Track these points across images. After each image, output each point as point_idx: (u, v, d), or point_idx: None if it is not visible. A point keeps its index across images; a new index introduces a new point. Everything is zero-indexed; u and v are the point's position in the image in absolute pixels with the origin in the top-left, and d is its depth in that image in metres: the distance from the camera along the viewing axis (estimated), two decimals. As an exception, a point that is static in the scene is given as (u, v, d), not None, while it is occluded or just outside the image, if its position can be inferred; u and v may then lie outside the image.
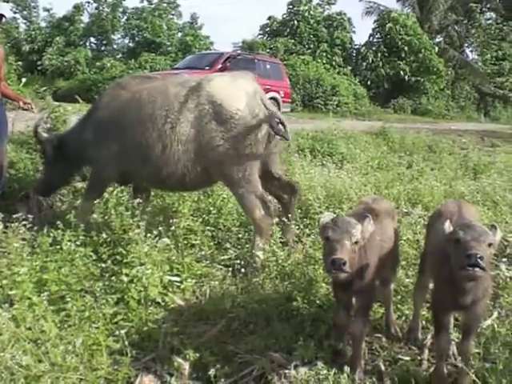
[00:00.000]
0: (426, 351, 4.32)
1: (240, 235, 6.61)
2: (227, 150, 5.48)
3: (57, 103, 9.94)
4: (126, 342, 3.98)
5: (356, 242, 3.46)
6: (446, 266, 3.47)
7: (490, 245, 3.28)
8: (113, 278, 4.91)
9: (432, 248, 4.10)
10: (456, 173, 11.06)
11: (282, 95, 24.10)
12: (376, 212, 4.12)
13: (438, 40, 47.33)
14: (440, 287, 3.78)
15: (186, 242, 6.07)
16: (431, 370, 4.04)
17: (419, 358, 4.28)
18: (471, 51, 51.08)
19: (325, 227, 3.52)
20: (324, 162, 10.51)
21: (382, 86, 40.34)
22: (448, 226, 3.48)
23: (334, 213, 5.84)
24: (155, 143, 5.64)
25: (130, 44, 42.31)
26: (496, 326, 4.39)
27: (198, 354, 3.92)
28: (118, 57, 40.83)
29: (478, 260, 3.09)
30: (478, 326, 3.90)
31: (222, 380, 3.68)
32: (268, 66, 24.13)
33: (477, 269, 3.12)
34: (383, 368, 4.05)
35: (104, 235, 5.23)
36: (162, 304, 4.87)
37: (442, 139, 17.31)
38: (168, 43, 39.94)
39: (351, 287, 3.79)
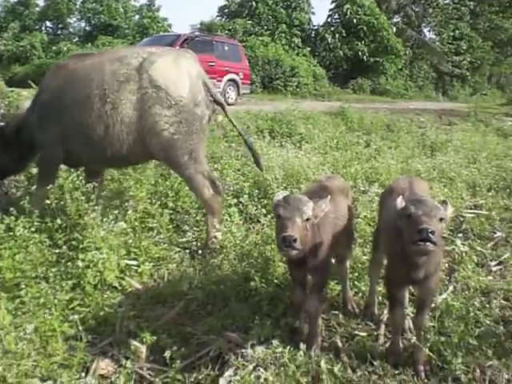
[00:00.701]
0: (383, 326, 4.37)
1: (198, 217, 6.58)
2: (172, 135, 5.41)
3: (10, 89, 9.67)
4: (81, 327, 3.95)
5: (307, 220, 3.45)
6: (398, 241, 3.49)
7: (441, 219, 3.30)
8: (69, 263, 4.82)
9: (384, 224, 4.14)
10: (413, 151, 11.18)
11: (241, 77, 24.02)
12: (329, 190, 4.12)
13: (395, 20, 47.78)
14: (393, 263, 3.82)
15: (143, 225, 6.03)
16: (387, 344, 4.09)
17: (376, 333, 4.33)
18: (429, 31, 51.76)
19: (276, 205, 3.50)
20: (283, 143, 10.51)
21: (341, 67, 40.51)
22: (400, 202, 3.50)
23: (292, 192, 5.86)
24: (96, 123, 5.50)
25: (87, 27, 41.69)
26: (450, 299, 4.47)
27: (155, 337, 3.90)
28: (74, 41, 40.26)
29: (429, 234, 3.12)
30: (431, 300, 3.96)
31: (179, 361, 3.67)
32: (226, 48, 23.97)
33: (428, 243, 3.14)
34: (340, 344, 4.08)
35: (59, 221, 5.14)
36: (119, 288, 4.84)
37: (400, 118, 17.46)
38: (125, 26, 39.47)
39: (306, 265, 3.79)
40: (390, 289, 3.89)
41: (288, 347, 3.67)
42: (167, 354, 3.62)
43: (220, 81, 22.39)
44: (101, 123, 5.47)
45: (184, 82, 5.44)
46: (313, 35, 42.99)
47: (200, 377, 3.60)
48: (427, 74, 47.08)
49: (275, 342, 3.67)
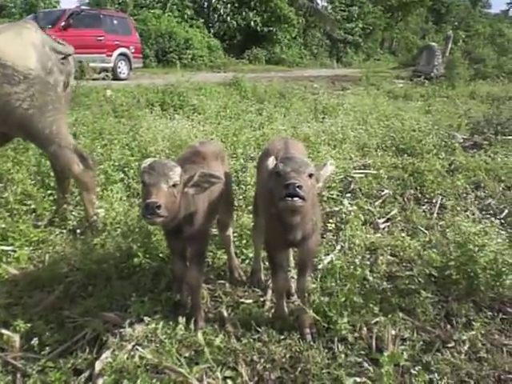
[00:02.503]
0: (270, 292, 4.29)
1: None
2: (26, 111, 5.03)
3: None
4: None
5: (174, 185, 3.27)
6: (272, 203, 3.39)
7: (310, 175, 3.20)
8: None
9: (260, 187, 4.03)
10: (306, 116, 11.24)
11: (133, 51, 23.51)
12: (203, 155, 3.96)
13: (287, -11, 47.81)
14: (270, 225, 3.70)
15: (23, 208, 5.67)
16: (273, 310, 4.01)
17: (262, 299, 4.25)
18: (321, -1, 52.09)
19: (143, 172, 3.30)
20: (175, 115, 10.29)
21: (235, 38, 40.26)
22: (272, 162, 3.39)
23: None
24: None
25: (-29, 8, 39.21)
26: (335, 259, 4.45)
27: (29, 325, 3.66)
28: (-41, 21, 37.77)
29: (297, 189, 2.99)
30: (312, 261, 3.90)
31: (54, 348, 3.46)
32: (115, 22, 23.29)
33: (296, 198, 3.01)
34: (226, 314, 3.98)
35: None
36: (-6, 276, 4.51)
37: (294, 86, 17.57)
38: (11, 5, 37.38)
39: (182, 235, 3.64)
40: (270, 252, 3.80)
41: (169, 323, 3.54)
42: (34, 341, 3.39)
43: (110, 55, 21.80)
44: None
45: (30, 54, 5.02)
46: (205, 6, 42.41)
47: (77, 362, 3.39)
48: (321, 41, 47.70)
49: (155, 319, 3.52)
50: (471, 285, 4.16)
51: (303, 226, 3.47)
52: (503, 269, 4.06)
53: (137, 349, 3.32)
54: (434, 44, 27.73)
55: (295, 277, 4.03)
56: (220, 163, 4.19)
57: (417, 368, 3.09)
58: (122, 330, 3.53)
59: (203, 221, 3.71)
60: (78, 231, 5.32)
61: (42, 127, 5.07)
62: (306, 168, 3.19)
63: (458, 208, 6.21)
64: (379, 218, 6.02)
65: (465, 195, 6.79)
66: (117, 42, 22.38)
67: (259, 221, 4.27)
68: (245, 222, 5.21)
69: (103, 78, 19.59)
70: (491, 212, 6.25)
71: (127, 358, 3.17)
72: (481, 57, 30.66)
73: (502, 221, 5.54)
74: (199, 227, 3.66)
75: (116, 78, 21.66)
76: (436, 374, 3.24)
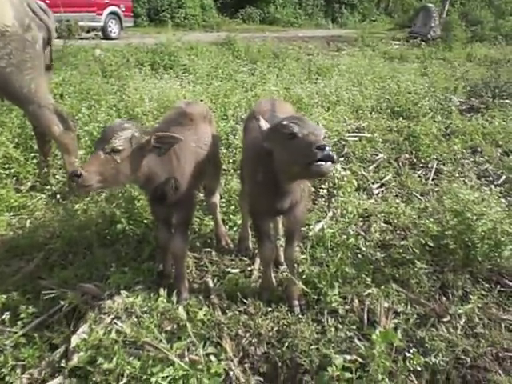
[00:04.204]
0: (258, 261, 4.12)
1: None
2: (4, 69, 4.76)
3: None
4: None
5: (115, 151, 2.99)
6: (261, 168, 3.17)
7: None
8: None
9: (246, 151, 3.81)
10: (299, 77, 10.94)
11: (123, 9, 22.91)
12: (190, 116, 3.73)
13: None
14: (256, 192, 3.45)
15: (5, 172, 5.45)
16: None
17: (250, 268, 4.08)
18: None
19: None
20: (164, 75, 9.99)
21: (229, -4, 39.46)
22: (264, 124, 3.15)
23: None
24: None
25: None
26: (327, 227, 4.28)
27: (5, 296, 3.48)
28: None
29: (331, 153, 2.71)
30: (300, 229, 3.69)
31: (30, 320, 3.29)
32: (106, -21, 22.63)
33: (329, 163, 2.71)
34: (211, 284, 3.81)
35: None
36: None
37: (288, 46, 17.17)
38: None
39: (165, 201, 3.43)
40: (256, 221, 3.59)
41: (151, 294, 3.37)
42: (6, 316, 3.21)
43: (100, 14, 21.27)
44: None
45: (6, 10, 4.75)
46: (199, -36, 41.46)
47: (53, 336, 3.22)
48: (316, 1, 46.74)
49: (136, 290, 3.36)
50: (468, 255, 4.00)
51: (294, 194, 3.27)
52: (502, 238, 3.90)
53: (115, 323, 3.15)
54: (430, 5, 27.16)
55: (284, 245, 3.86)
56: (208, 125, 3.96)
57: (412, 351, 2.91)
58: (100, 302, 3.38)
59: (188, 186, 3.49)
60: (59, 196, 5.10)
61: (20, 86, 4.83)
62: (321, 131, 2.96)
63: (455, 174, 6.03)
64: (373, 184, 5.84)
65: (461, 160, 6.61)
66: (107, 1, 21.77)
67: (246, 187, 4.07)
68: (233, 187, 5.01)
69: (93, 38, 19.13)
70: (489, 178, 6.08)
71: (104, 333, 3.00)
72: (478, 19, 30.23)
73: (501, 187, 5.37)
74: (184, 193, 3.46)
75: (106, 37, 21.16)
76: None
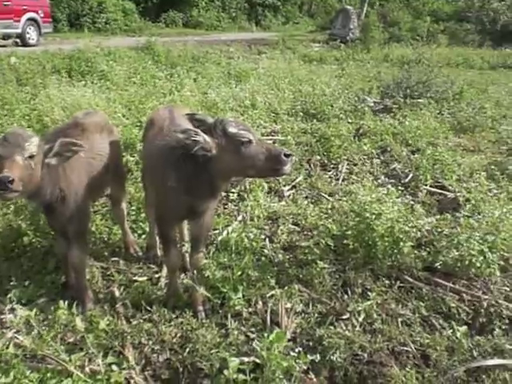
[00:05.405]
0: (165, 268, 4.13)
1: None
2: None
3: None
4: None
5: (31, 157, 2.98)
6: (172, 175, 3.19)
7: None
8: None
9: (149, 159, 3.81)
10: (218, 81, 11.00)
11: (42, 15, 22.29)
12: (82, 127, 3.70)
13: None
14: (164, 199, 3.44)
15: None
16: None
17: (157, 275, 4.10)
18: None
19: None
20: (78, 83, 9.83)
21: (151, 0, 39.05)
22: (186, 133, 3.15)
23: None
24: None
25: None
26: (231, 231, 4.35)
27: None
28: None
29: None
30: (207, 234, 3.75)
31: None
32: (23, -15, 22.02)
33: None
34: (117, 294, 3.81)
35: None
36: None
37: (210, 50, 17.22)
38: None
39: (56, 211, 3.40)
40: (162, 227, 3.61)
41: (51, 307, 3.35)
42: None
43: (18, 21, 20.64)
44: None
45: None
46: (119, -33, 40.89)
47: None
48: (239, 4, 46.93)
49: (38, 304, 3.34)
50: (369, 253, 4.15)
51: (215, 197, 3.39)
52: (400, 236, 4.05)
53: (16, 337, 3.12)
54: (349, 7, 27.89)
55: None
56: (106, 135, 3.93)
57: (297, 350, 2.99)
58: (2, 316, 3.34)
59: (79, 197, 3.46)
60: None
61: None
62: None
63: (363, 173, 6.21)
64: (284, 186, 5.94)
65: (371, 160, 6.81)
66: (25, 7, 21.14)
67: (149, 194, 4.09)
68: (143, 195, 5.00)
69: (11, 45, 18.59)
70: (397, 177, 6.30)
71: (3, 348, 2.97)
72: (396, 20, 31.11)
73: (407, 185, 5.58)
74: (76, 203, 3.43)
75: (25, 44, 20.58)
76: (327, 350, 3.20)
